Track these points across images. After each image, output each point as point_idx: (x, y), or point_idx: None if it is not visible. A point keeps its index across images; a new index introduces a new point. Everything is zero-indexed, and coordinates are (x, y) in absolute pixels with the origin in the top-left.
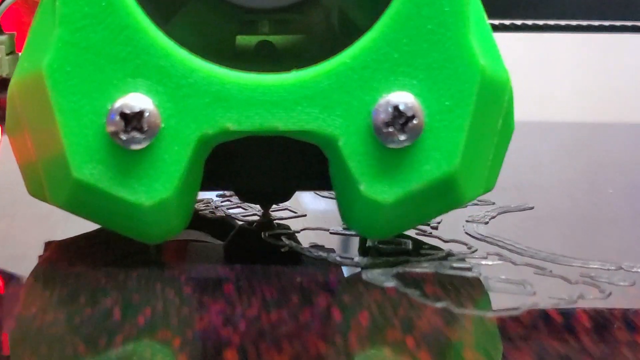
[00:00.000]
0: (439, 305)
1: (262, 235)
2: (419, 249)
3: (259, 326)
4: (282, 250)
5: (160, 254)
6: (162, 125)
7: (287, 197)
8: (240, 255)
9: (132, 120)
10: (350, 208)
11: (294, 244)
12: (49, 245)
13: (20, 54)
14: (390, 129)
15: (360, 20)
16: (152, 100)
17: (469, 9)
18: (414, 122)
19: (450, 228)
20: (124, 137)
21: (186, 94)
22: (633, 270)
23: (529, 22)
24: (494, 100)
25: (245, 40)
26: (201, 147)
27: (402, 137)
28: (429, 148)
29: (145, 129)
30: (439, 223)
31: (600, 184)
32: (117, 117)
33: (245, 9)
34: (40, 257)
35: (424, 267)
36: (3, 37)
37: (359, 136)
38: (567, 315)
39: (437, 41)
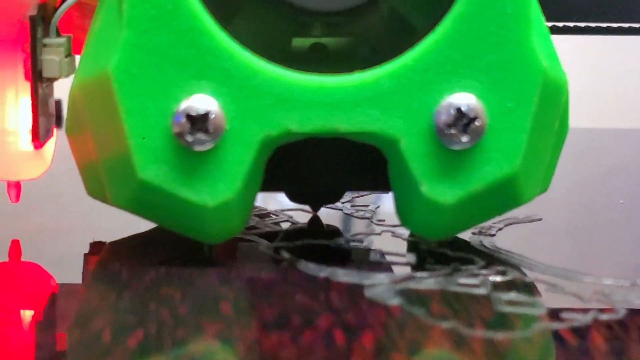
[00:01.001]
0: (446, 325)
1: (261, 249)
2: (424, 264)
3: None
4: (282, 265)
5: (213, 254)
6: (227, 127)
7: (338, 197)
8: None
9: (198, 121)
10: (410, 209)
11: (294, 258)
12: (95, 246)
13: (77, 56)
14: (453, 131)
15: (418, 23)
16: (217, 102)
17: (531, 10)
18: (476, 123)
19: (455, 241)
20: (189, 138)
21: (249, 96)
22: None
23: None
24: (553, 102)
25: (299, 42)
26: (264, 149)
27: (464, 139)
28: (491, 149)
29: (211, 130)
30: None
31: (612, 193)
32: (183, 119)
33: (302, 10)
34: (86, 256)
35: (429, 284)
36: (61, 40)
37: (421, 137)
38: (582, 336)
39: (500, 42)
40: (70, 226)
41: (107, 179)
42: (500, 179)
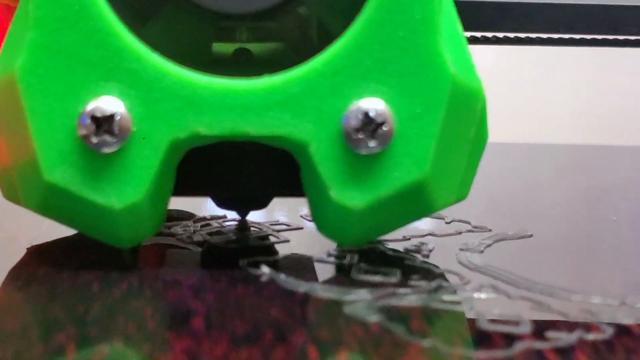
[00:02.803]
0: (426, 343)
1: (240, 263)
2: (408, 280)
3: None
4: (261, 280)
5: (135, 259)
6: (134, 129)
7: (264, 204)
8: (215, 283)
9: (104, 123)
10: (321, 214)
11: (273, 272)
12: (29, 249)
13: None
14: (361, 135)
15: (335, 27)
16: (123, 103)
17: (440, 17)
18: (384, 128)
19: (442, 257)
20: (95, 140)
21: (157, 98)
22: (637, 307)
23: (522, 35)
24: (465, 109)
25: (222, 47)
26: (173, 152)
27: (372, 144)
28: (400, 154)
29: (117, 132)
30: (430, 251)
31: (603, 210)
32: (89, 120)
33: (218, 14)
34: (19, 261)
35: (411, 300)
36: None
37: (330, 142)
38: (566, 356)
39: (408, 48)
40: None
41: (18, 181)
42: (409, 185)
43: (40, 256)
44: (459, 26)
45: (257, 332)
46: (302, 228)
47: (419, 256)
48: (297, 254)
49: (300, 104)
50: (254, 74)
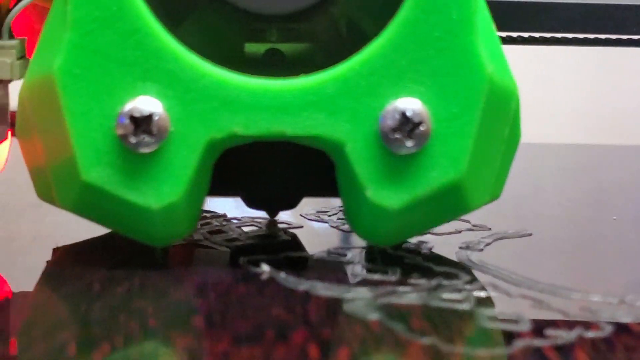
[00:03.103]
0: (426, 341)
1: (240, 261)
2: (408, 278)
3: None
4: (261, 278)
5: (166, 258)
6: (171, 129)
7: (294, 204)
8: (215, 282)
9: (142, 123)
10: (357, 214)
11: (273, 271)
12: (56, 250)
13: (30, 59)
14: (397, 135)
15: (368, 27)
16: (161, 103)
17: (477, 17)
18: (421, 128)
19: (442, 255)
20: (133, 140)
21: (195, 98)
22: (637, 305)
23: (525, 35)
24: (501, 108)
25: (254, 47)
26: (209, 151)
27: (409, 143)
28: (436, 154)
29: (155, 132)
30: (430, 249)
31: (603, 210)
32: (127, 120)
33: (253, 15)
34: (48, 262)
35: (411, 299)
36: (14, 42)
37: (366, 142)
38: (565, 354)
39: (445, 48)
40: (28, 232)
41: (54, 181)
42: (445, 185)
43: (69, 256)
44: (492, 25)
45: (258, 331)
46: (302, 227)
47: (418, 255)
48: (297, 252)
49: (337, 104)
50: (284, 74)
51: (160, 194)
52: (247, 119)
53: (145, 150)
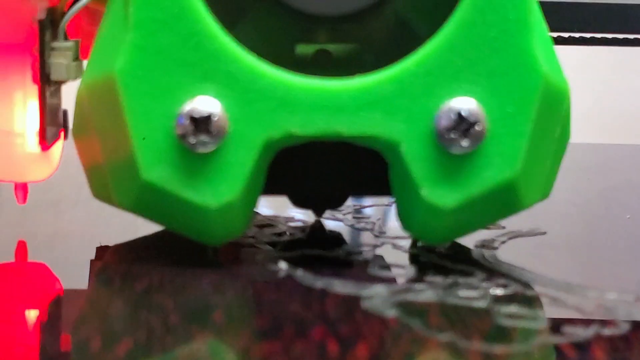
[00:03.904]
0: (444, 338)
1: (256, 259)
2: (424, 276)
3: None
4: (278, 275)
5: (216, 257)
6: (230, 129)
7: (341, 202)
8: (233, 280)
9: (201, 123)
10: (410, 213)
11: (290, 268)
12: (101, 250)
13: (84, 60)
14: (453, 135)
15: (419, 28)
16: (220, 104)
17: (533, 17)
18: (477, 128)
19: (457, 253)
20: (192, 140)
21: (253, 99)
22: None
23: None
24: (554, 108)
25: (303, 48)
26: (266, 151)
27: (465, 143)
28: (491, 154)
29: (214, 132)
30: (445, 247)
31: (617, 208)
32: (186, 121)
33: (305, 15)
34: (92, 261)
35: (428, 296)
36: (70, 44)
37: (421, 141)
38: (583, 351)
39: (501, 48)
40: (76, 230)
41: (111, 180)
42: (500, 184)
43: (117, 254)
44: (545, 26)
45: (277, 327)
46: (319, 225)
47: (434, 253)
48: (313, 249)
49: (392, 104)
50: (333, 75)
51: (218, 193)
52: (304, 119)
53: (203, 150)
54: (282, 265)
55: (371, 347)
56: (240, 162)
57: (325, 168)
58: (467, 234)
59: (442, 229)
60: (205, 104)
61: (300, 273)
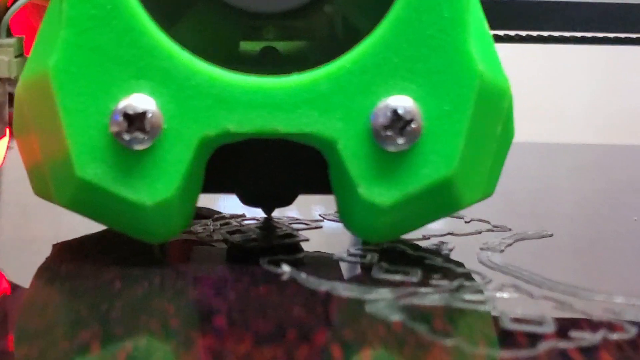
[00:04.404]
0: (449, 342)
1: (260, 262)
2: (429, 279)
3: None
4: (282, 278)
5: (164, 255)
6: (165, 126)
7: (290, 201)
8: (236, 281)
9: (135, 120)
10: (349, 211)
11: (294, 271)
12: (55, 246)
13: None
14: (389, 133)
15: (363, 25)
16: (155, 101)
17: (469, 15)
18: (413, 126)
19: (463, 256)
20: (127, 137)
21: (188, 96)
22: None
23: (534, 34)
24: (492, 106)
25: (249, 45)
26: (203, 149)
27: (401, 141)
28: (428, 152)
29: (148, 129)
30: (451, 250)
31: (623, 210)
32: (121, 118)
33: (248, 13)
34: (47, 258)
35: (433, 300)
36: (12, 40)
37: (358, 139)
38: (590, 356)
39: (437, 46)
40: (28, 230)
41: (50, 178)
42: (437, 182)
43: (66, 253)
44: (485, 24)
45: (280, 331)
46: (321, 227)
47: (439, 256)
48: (317, 252)
49: (329, 101)
50: (280, 72)
51: (153, 190)
52: (240, 117)
53: (138, 147)
54: (285, 268)
55: (375, 352)
56: (176, 160)
57: (274, 167)
58: (408, 232)
59: (381, 227)
60: (140, 101)
61: (303, 276)
